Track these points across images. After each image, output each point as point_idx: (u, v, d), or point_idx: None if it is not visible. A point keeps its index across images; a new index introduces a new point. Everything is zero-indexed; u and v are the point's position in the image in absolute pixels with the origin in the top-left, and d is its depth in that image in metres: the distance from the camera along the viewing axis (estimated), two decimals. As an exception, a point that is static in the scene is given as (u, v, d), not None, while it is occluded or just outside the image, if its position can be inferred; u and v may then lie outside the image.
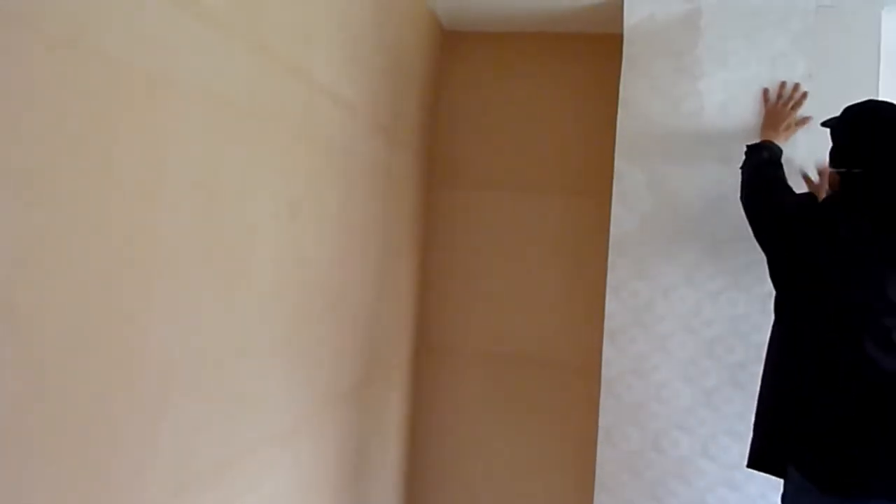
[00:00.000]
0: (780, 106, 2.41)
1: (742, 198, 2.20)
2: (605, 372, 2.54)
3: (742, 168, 2.26)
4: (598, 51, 2.95)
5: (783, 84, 2.44)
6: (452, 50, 3.13)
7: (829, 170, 1.95)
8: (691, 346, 2.47)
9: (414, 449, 3.11)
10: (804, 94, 2.42)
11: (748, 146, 2.28)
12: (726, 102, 2.48)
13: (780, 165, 2.21)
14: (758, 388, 1.99)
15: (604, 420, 2.54)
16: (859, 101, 1.94)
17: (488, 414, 3.07)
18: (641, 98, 2.55)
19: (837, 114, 1.96)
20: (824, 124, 1.98)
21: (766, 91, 2.46)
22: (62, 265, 1.02)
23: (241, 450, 1.59)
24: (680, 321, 2.48)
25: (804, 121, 2.39)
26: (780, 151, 2.26)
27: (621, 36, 2.59)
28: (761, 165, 2.21)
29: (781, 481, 1.87)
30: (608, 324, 2.55)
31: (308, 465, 2.00)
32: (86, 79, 1.04)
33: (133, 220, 1.17)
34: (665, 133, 2.52)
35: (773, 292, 1.99)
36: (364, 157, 2.25)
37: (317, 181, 1.91)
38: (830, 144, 1.97)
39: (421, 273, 3.08)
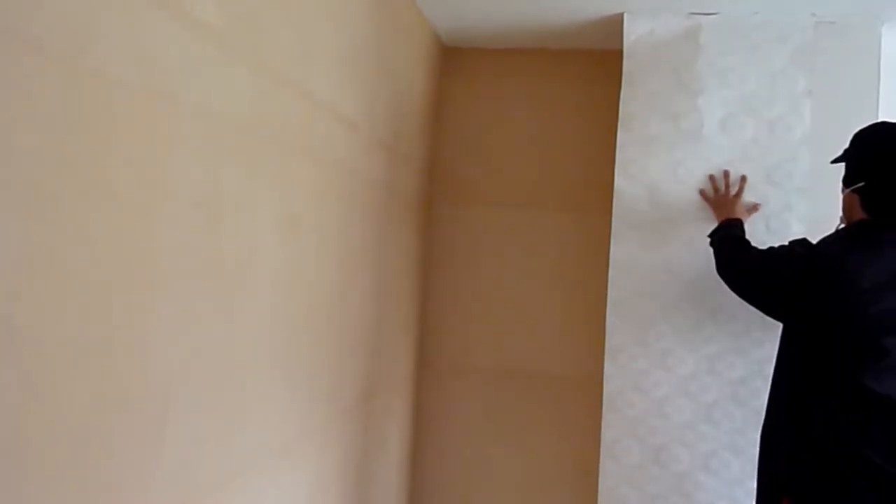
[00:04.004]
0: (723, 196, 2.43)
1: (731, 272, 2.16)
2: (607, 387, 2.54)
3: (711, 245, 2.28)
4: (597, 67, 2.97)
5: (713, 178, 2.47)
6: (453, 66, 3.15)
7: (846, 192, 1.93)
8: (692, 363, 2.46)
9: (415, 465, 3.11)
10: (742, 178, 2.44)
11: (709, 235, 2.30)
12: (726, 119, 2.49)
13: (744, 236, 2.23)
14: (758, 403, 1.99)
15: (606, 435, 2.54)
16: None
17: (490, 429, 3.07)
18: (641, 114, 2.55)
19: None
20: (838, 160, 1.97)
21: (702, 191, 2.49)
22: (61, 281, 1.03)
23: (241, 465, 1.59)
24: (680, 337, 2.48)
25: (754, 207, 2.43)
26: (741, 223, 2.28)
27: (621, 52, 2.60)
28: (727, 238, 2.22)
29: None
30: (609, 340, 2.55)
31: (309, 481, 2.00)
32: (86, 96, 1.05)
33: (133, 236, 1.18)
34: (665, 149, 2.52)
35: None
36: (364, 173, 2.26)
37: (317, 197, 1.92)
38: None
39: (422, 289, 3.09)
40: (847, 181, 1.91)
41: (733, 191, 2.43)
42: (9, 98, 0.92)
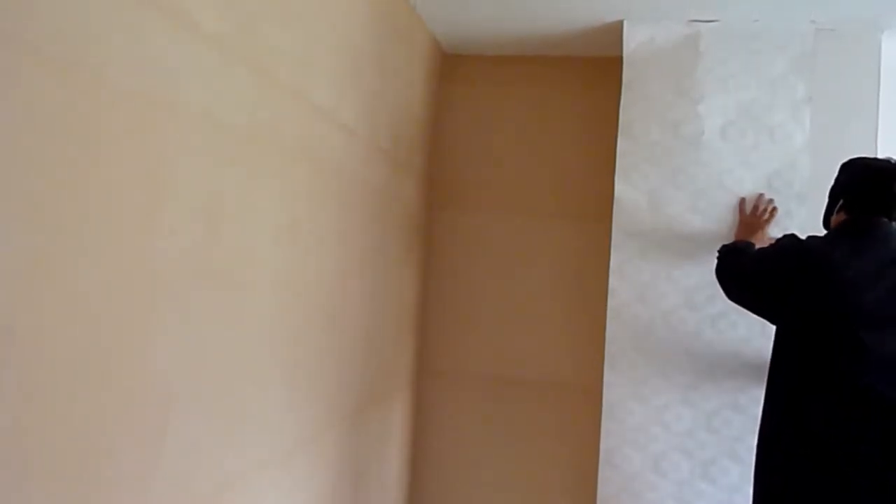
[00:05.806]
0: (756, 217, 2.42)
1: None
2: (607, 395, 2.54)
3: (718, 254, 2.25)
4: (597, 74, 2.96)
5: (761, 196, 2.45)
6: (453, 72, 3.15)
7: (833, 219, 2.00)
8: (691, 370, 2.46)
9: (415, 471, 3.10)
10: (775, 209, 2.43)
11: (723, 245, 2.27)
12: (726, 125, 2.49)
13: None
14: (757, 410, 1.99)
15: (605, 443, 2.54)
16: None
17: (489, 436, 3.06)
18: (641, 121, 2.55)
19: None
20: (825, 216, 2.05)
21: (742, 200, 2.47)
22: (62, 288, 1.03)
23: (241, 471, 1.59)
24: (681, 344, 2.47)
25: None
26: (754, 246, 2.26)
27: (621, 59, 2.60)
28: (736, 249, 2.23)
29: None
30: (609, 348, 2.55)
31: (309, 485, 2.00)
32: (86, 102, 1.05)
33: (133, 240, 1.18)
34: (665, 156, 2.52)
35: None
36: (364, 179, 2.27)
37: (316, 204, 1.92)
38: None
39: (421, 295, 3.08)
40: (831, 208, 2.00)
41: (765, 217, 2.42)
42: (8, 103, 0.92)
